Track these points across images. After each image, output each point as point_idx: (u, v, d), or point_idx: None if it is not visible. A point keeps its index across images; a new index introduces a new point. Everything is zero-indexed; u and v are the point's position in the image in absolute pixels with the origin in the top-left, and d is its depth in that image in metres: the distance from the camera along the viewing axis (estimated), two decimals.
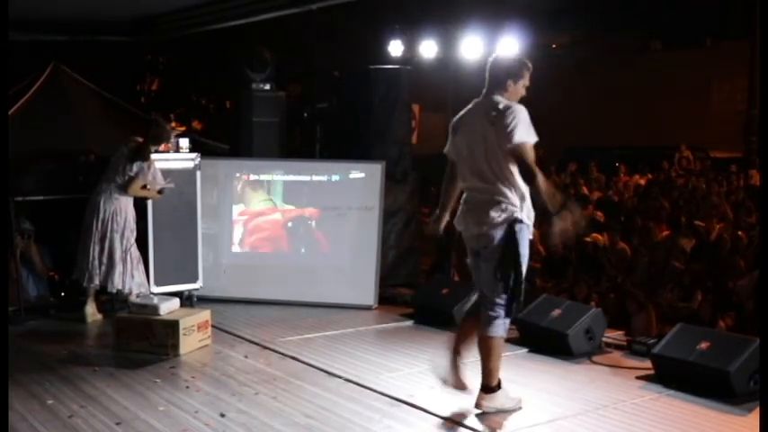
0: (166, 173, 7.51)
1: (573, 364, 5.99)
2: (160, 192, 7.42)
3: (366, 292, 7.87)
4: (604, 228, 11.18)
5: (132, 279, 7.27)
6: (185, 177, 7.79)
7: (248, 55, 9.02)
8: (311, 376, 5.75)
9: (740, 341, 5.39)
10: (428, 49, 10.09)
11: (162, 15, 10.18)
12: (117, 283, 7.20)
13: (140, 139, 7.34)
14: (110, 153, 7.50)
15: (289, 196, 8.27)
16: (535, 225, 4.84)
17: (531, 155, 4.59)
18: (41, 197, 8.20)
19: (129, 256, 7.25)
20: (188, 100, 24.06)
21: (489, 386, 4.86)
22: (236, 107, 9.90)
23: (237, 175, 8.33)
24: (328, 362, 6.04)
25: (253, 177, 8.33)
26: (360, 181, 8.11)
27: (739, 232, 10.51)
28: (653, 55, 27.25)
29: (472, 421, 4.82)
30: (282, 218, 8.26)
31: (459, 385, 4.99)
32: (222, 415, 4.93)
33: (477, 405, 4.88)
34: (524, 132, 4.60)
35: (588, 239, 10.34)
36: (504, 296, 4.73)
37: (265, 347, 6.50)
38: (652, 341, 6.00)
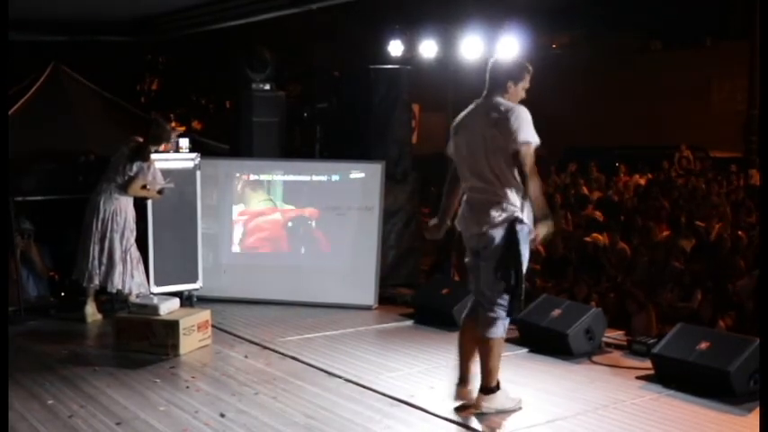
0: (166, 173, 7.52)
1: (573, 364, 5.99)
2: (160, 192, 7.43)
3: (366, 292, 7.87)
4: (604, 228, 11.18)
5: (132, 279, 7.27)
6: (185, 177, 7.79)
7: (248, 55, 9.02)
8: (311, 376, 5.75)
9: (740, 341, 5.39)
10: (428, 49, 10.07)
11: (162, 15, 10.18)
12: (117, 283, 7.20)
13: (140, 140, 7.35)
14: (110, 153, 7.51)
15: (289, 196, 8.27)
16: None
17: (532, 157, 4.64)
18: (41, 197, 8.20)
19: (128, 256, 7.25)
20: (188, 100, 24.07)
21: (488, 387, 4.87)
22: (236, 107, 9.91)
23: (237, 175, 8.33)
24: (328, 362, 6.04)
25: (253, 177, 8.34)
26: (360, 181, 8.12)
27: (739, 232, 10.51)
28: (653, 55, 27.27)
29: (472, 421, 4.83)
30: (282, 218, 8.26)
31: (468, 398, 4.99)
32: (222, 415, 4.94)
33: (477, 406, 4.88)
34: (529, 134, 4.64)
35: (588, 239, 10.35)
36: (504, 296, 4.74)
37: (265, 347, 6.50)
38: (652, 341, 6.00)
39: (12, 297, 7.36)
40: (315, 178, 8.22)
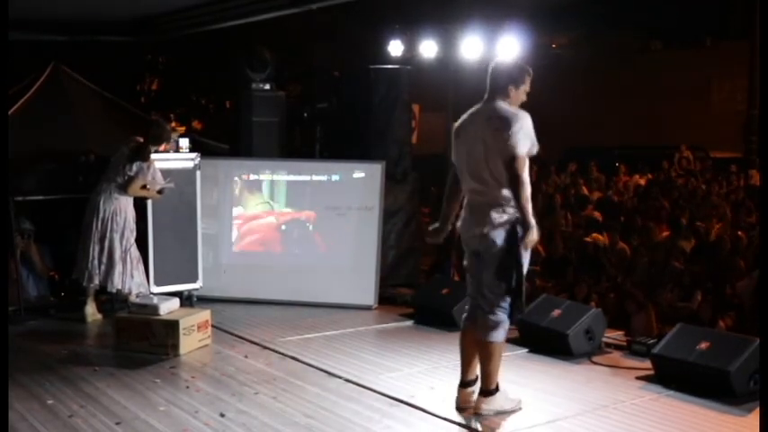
0: (166, 173, 7.52)
1: (573, 364, 5.99)
2: (160, 192, 7.43)
3: (366, 292, 7.87)
4: (604, 228, 11.18)
5: (132, 279, 7.27)
6: (185, 177, 7.79)
7: (248, 55, 9.02)
8: (311, 376, 5.75)
9: (740, 341, 5.39)
10: (428, 49, 10.06)
11: (162, 15, 10.18)
12: (117, 282, 7.20)
13: (140, 140, 7.35)
14: (110, 153, 7.51)
15: (289, 196, 8.27)
16: None
17: (525, 166, 4.65)
18: (41, 197, 8.20)
19: (128, 256, 7.25)
20: (188, 100, 24.04)
21: (488, 390, 4.87)
22: (236, 107, 9.91)
23: (236, 178, 8.34)
24: (328, 362, 6.05)
25: (253, 177, 8.34)
26: (360, 181, 8.12)
27: (739, 233, 10.51)
28: (653, 55, 27.26)
29: (472, 421, 4.83)
30: (281, 218, 8.26)
31: (469, 401, 4.99)
32: (222, 415, 4.94)
33: (476, 408, 4.89)
34: (525, 146, 4.64)
35: (588, 239, 10.34)
36: (506, 298, 4.74)
37: (265, 347, 6.51)
38: (652, 341, 6.01)
39: (12, 297, 7.36)
40: (315, 178, 8.22)
